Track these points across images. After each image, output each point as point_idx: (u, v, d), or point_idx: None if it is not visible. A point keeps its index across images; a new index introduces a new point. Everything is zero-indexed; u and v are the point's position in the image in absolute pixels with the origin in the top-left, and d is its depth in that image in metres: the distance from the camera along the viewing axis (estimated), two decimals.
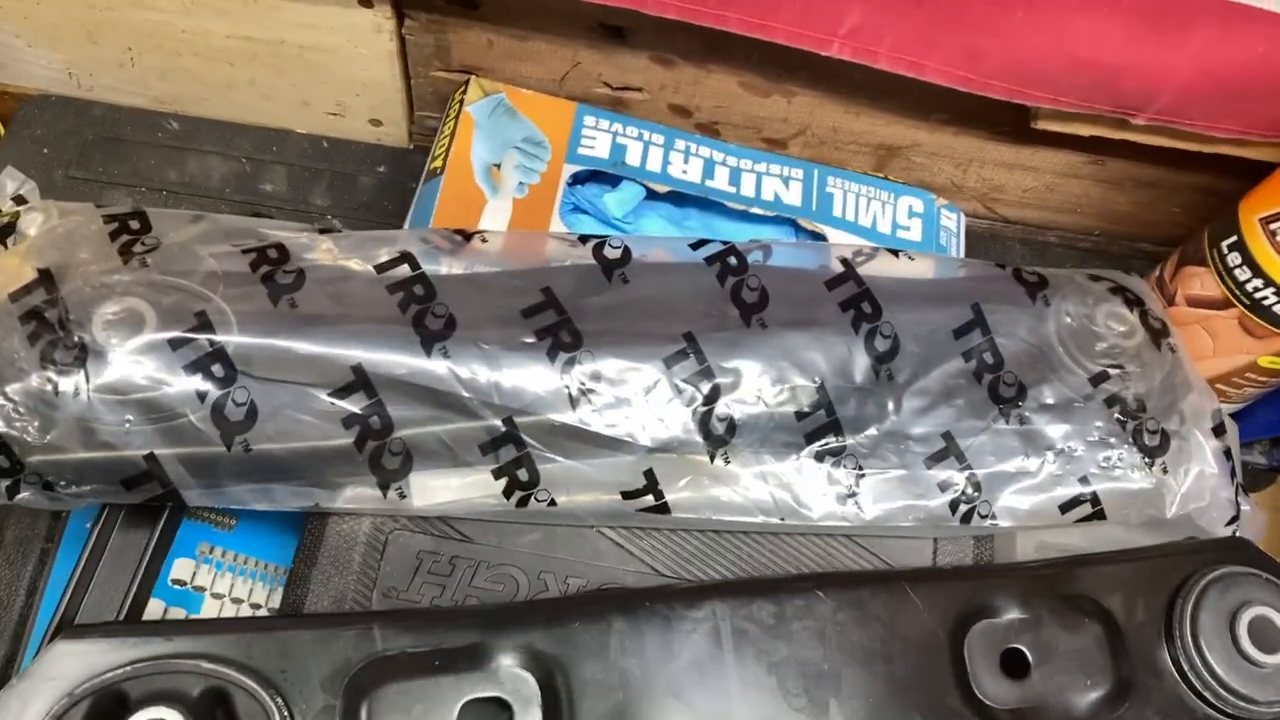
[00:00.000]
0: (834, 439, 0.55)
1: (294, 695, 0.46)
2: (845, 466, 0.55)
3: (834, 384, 0.55)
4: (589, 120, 0.72)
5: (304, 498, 0.51)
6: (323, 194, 0.78)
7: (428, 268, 0.54)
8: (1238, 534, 0.58)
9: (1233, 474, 0.59)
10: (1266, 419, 0.74)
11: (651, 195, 0.72)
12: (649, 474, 0.53)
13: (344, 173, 0.79)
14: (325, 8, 0.68)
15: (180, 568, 0.58)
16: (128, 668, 0.45)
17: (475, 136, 0.69)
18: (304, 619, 0.50)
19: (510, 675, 0.49)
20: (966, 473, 0.56)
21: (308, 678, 0.46)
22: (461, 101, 0.71)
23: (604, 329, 0.53)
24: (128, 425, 0.48)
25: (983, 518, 0.56)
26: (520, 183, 0.68)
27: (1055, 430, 0.57)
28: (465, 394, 0.51)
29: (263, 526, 0.60)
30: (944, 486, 0.56)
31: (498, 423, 0.51)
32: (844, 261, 0.59)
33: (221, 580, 0.59)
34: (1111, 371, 0.59)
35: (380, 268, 0.53)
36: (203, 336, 0.48)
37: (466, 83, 0.72)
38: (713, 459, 0.54)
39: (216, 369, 0.48)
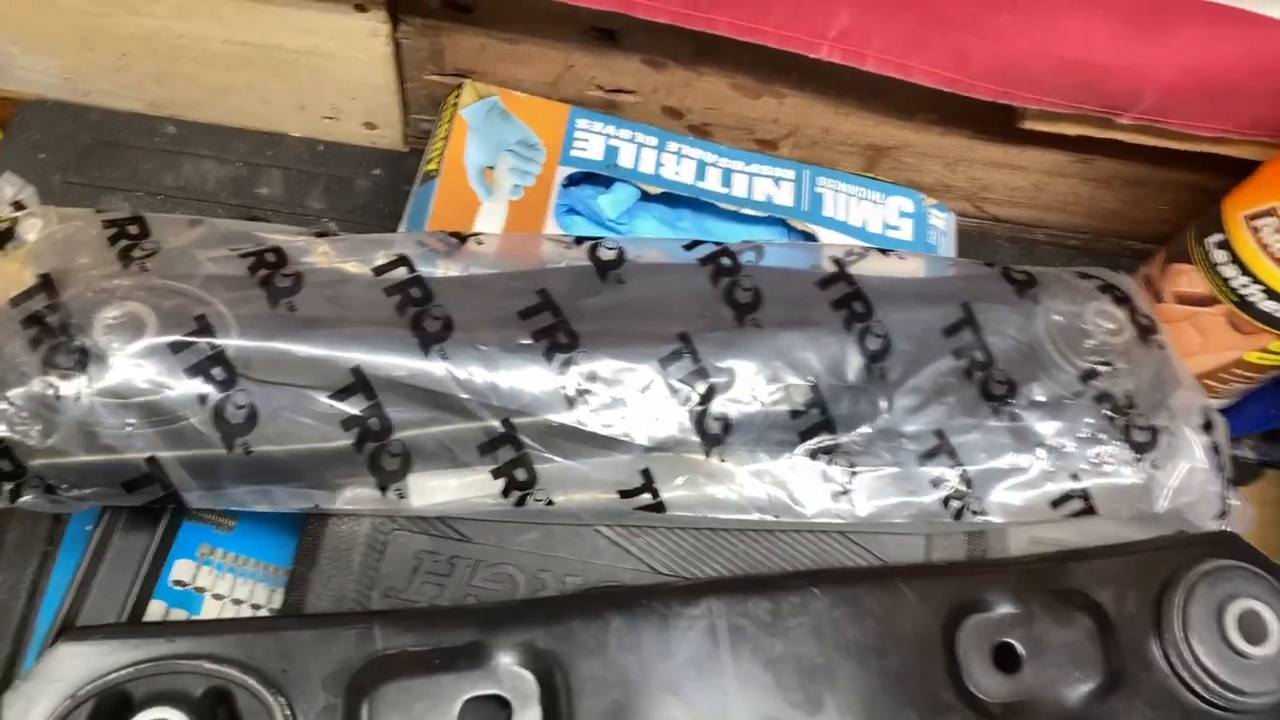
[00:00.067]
0: (828, 437, 0.56)
1: (296, 694, 0.46)
2: (839, 464, 0.56)
3: (827, 383, 0.56)
4: (582, 123, 0.72)
5: (304, 499, 0.52)
6: (318, 197, 0.78)
7: (424, 270, 0.54)
8: (1226, 528, 0.59)
9: (1221, 469, 0.59)
10: (1255, 414, 0.74)
11: (645, 197, 0.72)
12: (645, 473, 0.54)
13: (339, 176, 0.79)
14: (320, 13, 0.68)
15: (181, 569, 0.59)
16: (131, 669, 0.45)
17: (470, 139, 0.70)
18: (305, 619, 0.51)
19: (510, 673, 0.49)
20: (958, 469, 0.56)
21: (309, 677, 0.47)
22: (456, 105, 0.71)
23: (600, 330, 0.54)
24: (129, 429, 0.48)
25: (975, 514, 0.56)
26: (515, 185, 0.68)
27: (1046, 427, 0.57)
28: (463, 395, 0.51)
29: (263, 528, 0.61)
30: (936, 483, 0.56)
31: (496, 423, 0.52)
32: (836, 261, 0.59)
33: (222, 581, 0.60)
34: (1101, 369, 0.59)
35: (377, 270, 0.54)
36: (203, 340, 0.49)
37: (460, 86, 0.72)
38: (708, 457, 0.54)
39: (217, 372, 0.49)
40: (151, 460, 0.49)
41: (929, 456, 0.56)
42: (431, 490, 0.53)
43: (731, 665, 0.50)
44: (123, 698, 0.45)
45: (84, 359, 0.48)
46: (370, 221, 0.77)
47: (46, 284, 0.49)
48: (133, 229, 0.53)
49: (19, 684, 0.45)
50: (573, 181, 0.71)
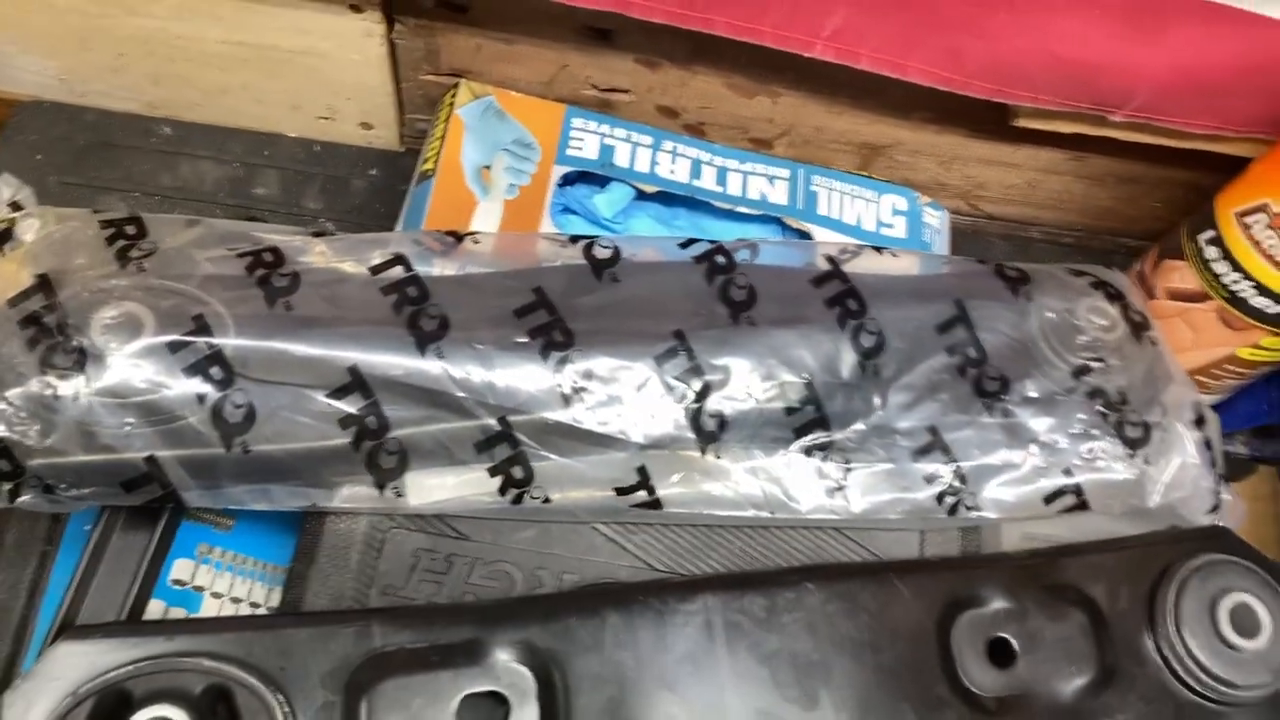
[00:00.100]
0: (822, 434, 0.56)
1: (295, 691, 0.46)
2: (833, 460, 0.56)
3: (822, 380, 0.56)
4: (577, 122, 0.72)
5: (302, 497, 0.52)
6: (315, 197, 0.78)
7: (421, 269, 0.54)
8: (1219, 523, 0.59)
9: (1213, 464, 0.60)
10: (1246, 410, 0.75)
11: (640, 195, 0.73)
12: (641, 470, 0.54)
13: (336, 176, 0.79)
14: (316, 13, 0.68)
15: (180, 568, 0.59)
16: (130, 667, 0.45)
17: (465, 139, 0.70)
18: (303, 617, 0.51)
19: (507, 670, 0.49)
20: (952, 466, 0.57)
21: (308, 674, 0.47)
22: (451, 104, 0.71)
23: (595, 328, 0.54)
24: (128, 428, 0.48)
25: (968, 509, 0.56)
26: (511, 184, 0.69)
27: (1039, 423, 0.58)
28: (460, 394, 0.52)
29: (261, 527, 0.61)
30: (930, 479, 0.56)
31: (492, 422, 0.52)
32: (830, 259, 0.60)
33: (221, 580, 0.60)
34: (1093, 365, 0.60)
35: (374, 270, 0.54)
36: (201, 339, 0.49)
37: (456, 86, 0.73)
38: (704, 454, 0.55)
39: (215, 371, 0.49)
40: (150, 459, 0.49)
41: (923, 453, 0.57)
42: (429, 488, 0.53)
43: (727, 661, 0.50)
44: (122, 696, 0.45)
45: (82, 359, 0.48)
46: (367, 221, 0.77)
47: (44, 284, 0.50)
48: (130, 229, 0.53)
49: (19, 683, 0.45)
50: (568, 181, 0.71)
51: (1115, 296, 0.62)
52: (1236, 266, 0.62)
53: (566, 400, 0.53)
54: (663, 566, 0.55)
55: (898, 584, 0.53)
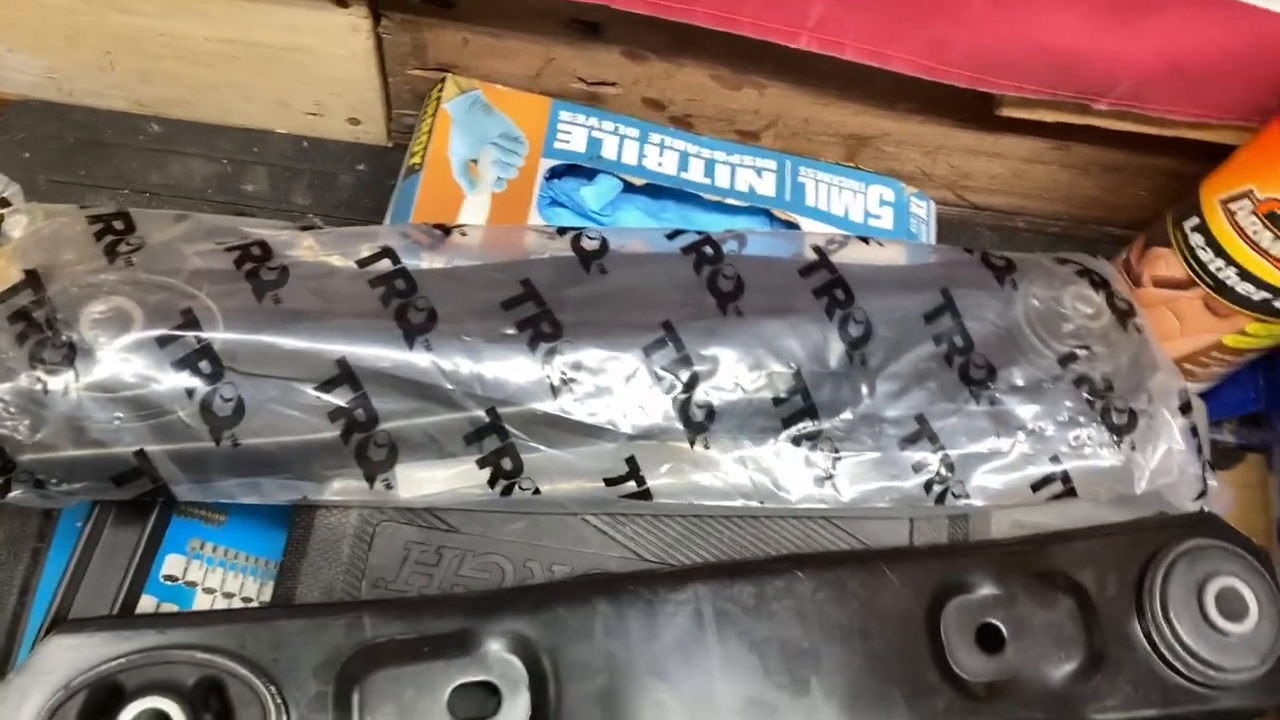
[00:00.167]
0: (810, 423, 0.56)
1: (287, 683, 0.47)
2: (822, 450, 0.56)
3: (809, 369, 0.56)
4: (565, 115, 0.73)
5: (292, 490, 0.52)
6: (303, 193, 0.78)
7: (408, 262, 0.54)
8: (1205, 509, 0.60)
9: (1199, 450, 0.60)
10: (1233, 398, 0.75)
11: (628, 188, 0.73)
12: (631, 461, 0.54)
13: (324, 172, 0.79)
14: (303, 9, 0.68)
15: (171, 564, 0.59)
16: (122, 659, 0.46)
17: (453, 133, 0.70)
18: (295, 609, 0.51)
19: (498, 660, 0.49)
20: (940, 454, 0.57)
21: (300, 666, 0.47)
22: (438, 99, 0.72)
23: (583, 319, 0.54)
24: (117, 423, 0.48)
25: (956, 497, 0.57)
26: (498, 178, 0.69)
27: (1025, 410, 0.58)
28: (448, 386, 0.52)
29: (252, 521, 0.61)
30: (918, 467, 0.57)
31: (481, 413, 0.52)
32: (817, 250, 0.60)
33: (213, 575, 0.60)
34: (1079, 352, 0.60)
35: (362, 263, 0.54)
36: (190, 334, 0.49)
37: (443, 80, 0.73)
38: (693, 445, 0.55)
39: (204, 365, 0.49)
40: (140, 454, 0.49)
41: (910, 441, 0.57)
42: (419, 481, 0.53)
43: (717, 649, 0.51)
44: (115, 688, 0.45)
45: (71, 354, 0.48)
46: (355, 216, 0.77)
47: (32, 280, 0.50)
48: (118, 224, 0.53)
49: (12, 677, 0.45)
50: (556, 174, 0.71)
51: (1100, 284, 0.63)
52: (1221, 253, 0.62)
53: (555, 391, 0.53)
54: (652, 557, 0.55)
55: (886, 571, 0.54)
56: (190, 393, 0.49)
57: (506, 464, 0.53)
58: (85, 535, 0.57)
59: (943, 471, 0.57)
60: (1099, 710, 0.52)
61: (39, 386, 0.48)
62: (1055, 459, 0.58)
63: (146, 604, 0.57)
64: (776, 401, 0.56)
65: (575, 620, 0.50)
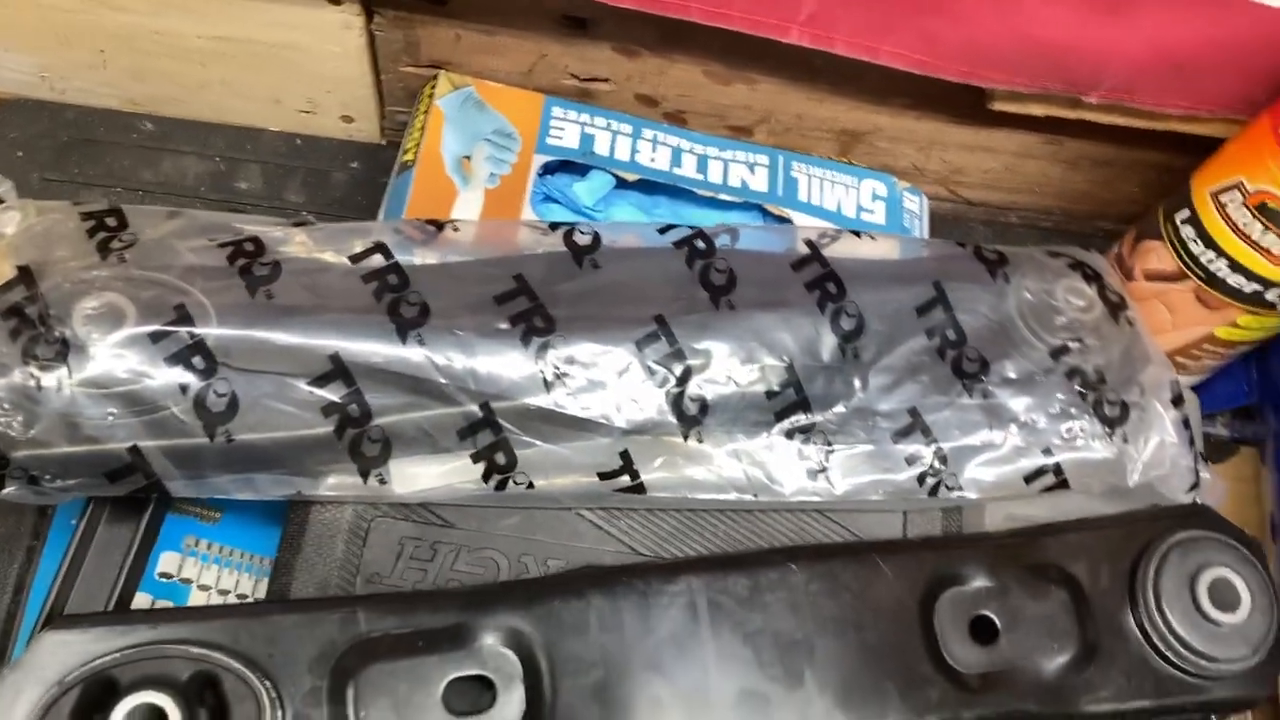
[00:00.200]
0: (803, 416, 0.56)
1: (282, 677, 0.47)
2: (815, 443, 0.56)
3: (802, 363, 0.56)
4: (557, 111, 0.73)
5: (286, 486, 0.52)
6: (297, 191, 0.78)
7: (401, 258, 0.54)
8: (1198, 500, 0.60)
9: (1192, 442, 0.60)
10: (1225, 391, 0.75)
11: (621, 184, 0.73)
12: (624, 455, 0.54)
13: (317, 169, 0.79)
14: (295, 6, 0.68)
15: (167, 561, 0.59)
16: (116, 654, 0.46)
17: (446, 129, 0.70)
18: (289, 604, 0.51)
19: (493, 654, 0.49)
20: (933, 446, 0.57)
21: (294, 660, 0.47)
22: (431, 96, 0.72)
23: (576, 314, 0.54)
24: (111, 419, 0.49)
25: (949, 490, 0.57)
26: (491, 174, 0.69)
27: (1018, 403, 0.58)
28: (441, 380, 0.52)
29: (248, 519, 0.61)
30: (911, 460, 0.57)
31: (474, 408, 0.52)
32: (809, 244, 0.60)
33: (208, 573, 0.60)
34: (1071, 345, 0.60)
35: (354, 258, 0.54)
36: (183, 329, 0.49)
37: (436, 77, 0.73)
38: (686, 439, 0.55)
39: (197, 361, 0.49)
40: (134, 450, 0.49)
41: (903, 434, 0.57)
42: (413, 476, 0.53)
43: (711, 641, 0.51)
44: (109, 683, 0.45)
45: (64, 350, 0.48)
46: (348, 214, 0.77)
47: (25, 276, 0.50)
48: (111, 221, 0.53)
49: (6, 673, 0.45)
50: (549, 170, 0.71)
51: (1092, 277, 0.63)
52: (1212, 245, 0.62)
53: (548, 386, 0.53)
54: (648, 551, 0.55)
55: (880, 563, 0.54)
56: (184, 388, 0.49)
57: (500, 459, 0.53)
58: (80, 532, 0.57)
59: (935, 464, 0.57)
60: (1092, 701, 0.52)
61: (32, 383, 0.48)
62: (1048, 451, 0.58)
63: (141, 601, 0.58)
64: (769, 395, 0.56)
65: (569, 614, 0.50)
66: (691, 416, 0.55)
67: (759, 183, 0.74)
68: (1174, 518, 0.57)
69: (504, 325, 0.53)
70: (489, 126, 0.71)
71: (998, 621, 0.53)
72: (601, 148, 0.72)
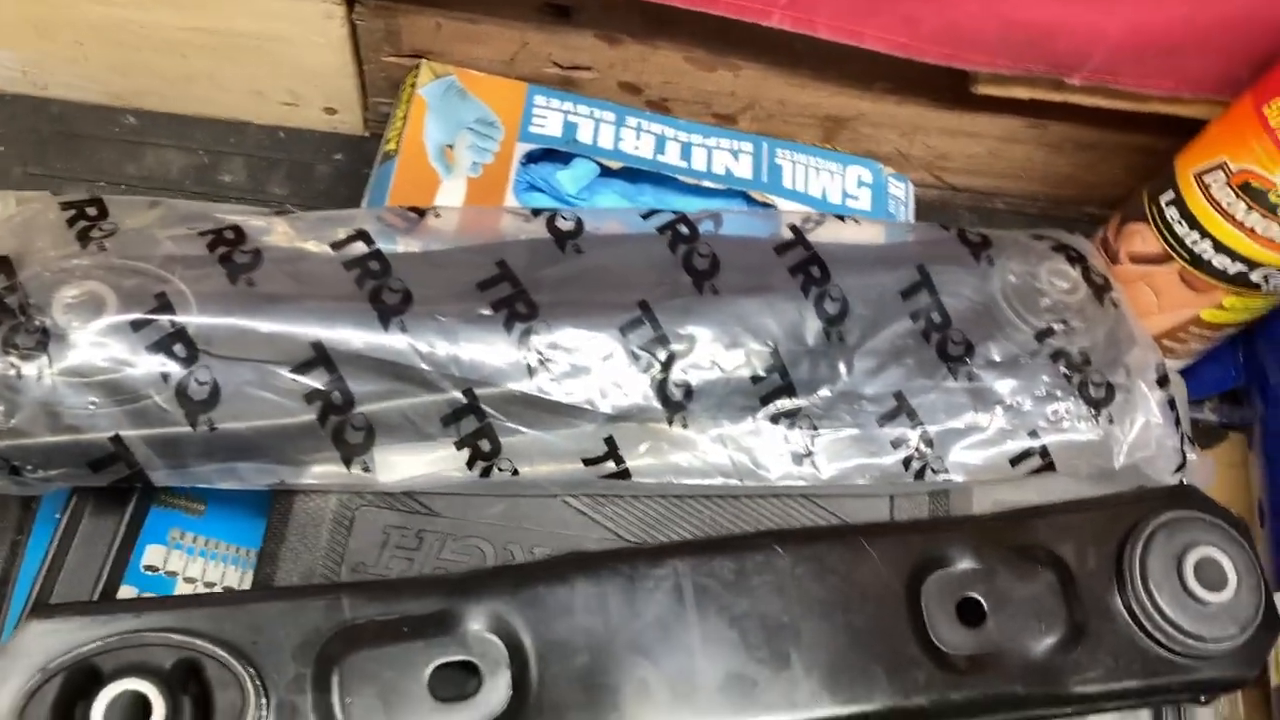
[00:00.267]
0: (788, 401, 0.56)
1: (266, 664, 0.47)
2: (800, 427, 0.56)
3: (787, 347, 0.56)
4: (540, 100, 0.73)
5: (269, 475, 0.52)
6: (281, 183, 0.78)
7: (383, 245, 0.54)
8: (1185, 481, 0.60)
9: (1178, 423, 0.60)
10: (1212, 376, 0.75)
11: (605, 172, 0.73)
12: (609, 441, 0.54)
13: (301, 162, 0.79)
14: None
15: (152, 554, 0.59)
16: (99, 642, 0.46)
17: (428, 118, 0.70)
18: (273, 591, 0.51)
19: (479, 639, 0.49)
20: (918, 430, 0.57)
21: (279, 648, 0.47)
22: (413, 85, 0.72)
23: (559, 299, 0.54)
24: (92, 408, 0.48)
25: (935, 473, 0.57)
26: (474, 163, 0.69)
27: (1003, 386, 0.58)
28: (424, 367, 0.52)
29: (233, 511, 0.61)
30: (897, 444, 0.57)
31: (458, 394, 0.52)
32: (793, 228, 0.60)
33: (193, 565, 0.60)
34: (1056, 327, 0.60)
35: (336, 246, 0.54)
36: (164, 317, 0.49)
37: (418, 66, 0.73)
38: (671, 424, 0.55)
39: (178, 349, 0.49)
40: (116, 439, 0.49)
41: (889, 418, 0.57)
42: (397, 464, 0.53)
43: (697, 624, 0.51)
44: (92, 671, 0.45)
45: (44, 339, 0.48)
46: (333, 206, 0.74)
47: (4, 265, 0.49)
48: (91, 210, 0.53)
49: None
50: (532, 158, 0.71)
51: (1076, 259, 0.63)
52: (1196, 226, 0.62)
53: (531, 372, 0.53)
54: (634, 537, 0.55)
55: (866, 546, 0.54)
56: (165, 377, 0.49)
57: (485, 445, 0.53)
58: (63, 524, 0.56)
59: (921, 448, 0.57)
60: (1080, 682, 0.53)
61: (12, 372, 0.47)
62: (1033, 433, 0.58)
63: (127, 594, 0.57)
64: (754, 380, 0.56)
65: (555, 599, 0.50)
66: (676, 402, 0.55)
67: (743, 170, 0.74)
68: (1160, 498, 0.57)
69: (486, 311, 0.53)
70: (471, 115, 0.71)
71: (985, 603, 0.53)
72: (584, 136, 0.72)
